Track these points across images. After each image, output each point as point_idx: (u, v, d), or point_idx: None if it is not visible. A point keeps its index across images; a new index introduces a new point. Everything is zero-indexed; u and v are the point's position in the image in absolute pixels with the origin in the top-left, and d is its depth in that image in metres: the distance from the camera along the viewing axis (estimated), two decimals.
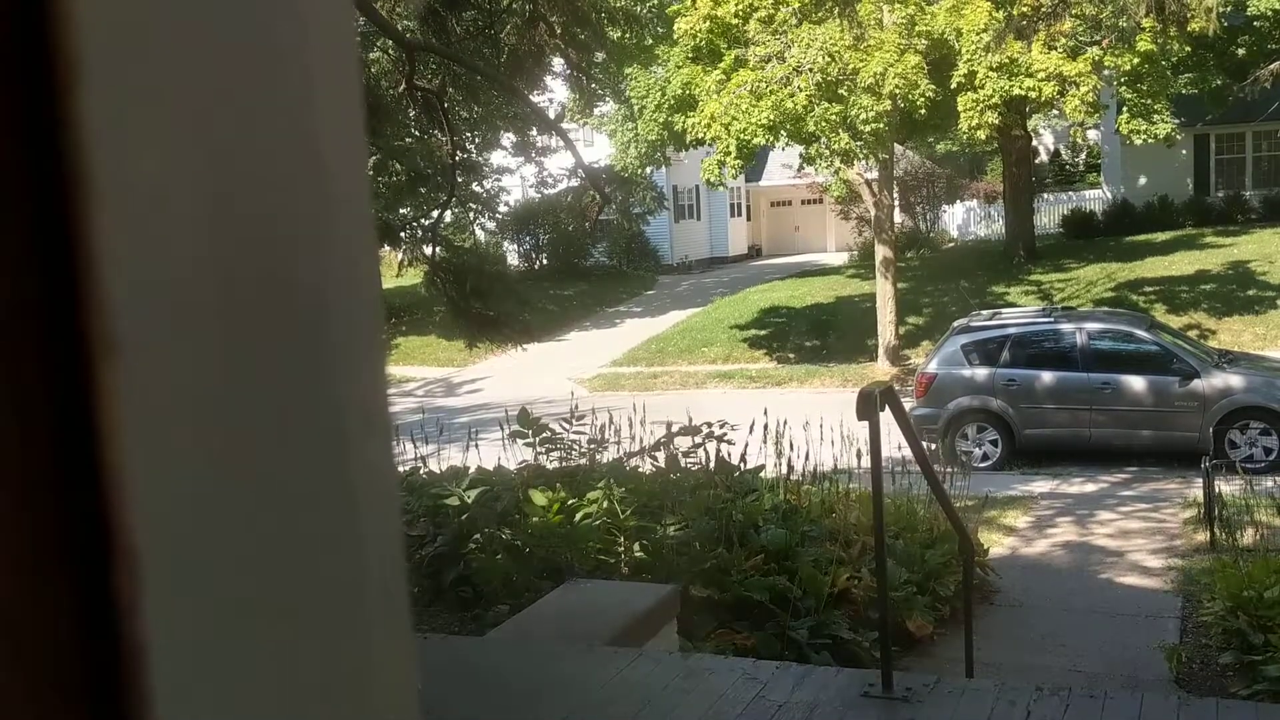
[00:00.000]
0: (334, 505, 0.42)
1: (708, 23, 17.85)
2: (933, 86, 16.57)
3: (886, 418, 3.98)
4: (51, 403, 0.32)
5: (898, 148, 22.24)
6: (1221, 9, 13.59)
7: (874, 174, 19.83)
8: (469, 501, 6.83)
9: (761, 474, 7.68)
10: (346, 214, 0.44)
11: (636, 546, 6.16)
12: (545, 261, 31.58)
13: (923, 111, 16.94)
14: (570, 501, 6.51)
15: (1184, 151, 26.95)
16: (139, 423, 0.33)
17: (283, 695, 0.40)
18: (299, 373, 0.41)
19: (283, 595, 0.40)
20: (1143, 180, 28.36)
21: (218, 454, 0.37)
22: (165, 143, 0.36)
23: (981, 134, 17.68)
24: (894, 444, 5.12)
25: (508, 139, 23.96)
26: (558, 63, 11.30)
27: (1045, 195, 31.88)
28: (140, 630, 0.33)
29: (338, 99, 0.44)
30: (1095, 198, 30.83)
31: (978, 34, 16.57)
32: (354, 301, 0.44)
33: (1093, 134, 27.68)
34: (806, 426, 8.64)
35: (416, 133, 14.51)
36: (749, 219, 37.41)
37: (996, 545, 8.83)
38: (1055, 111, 20.68)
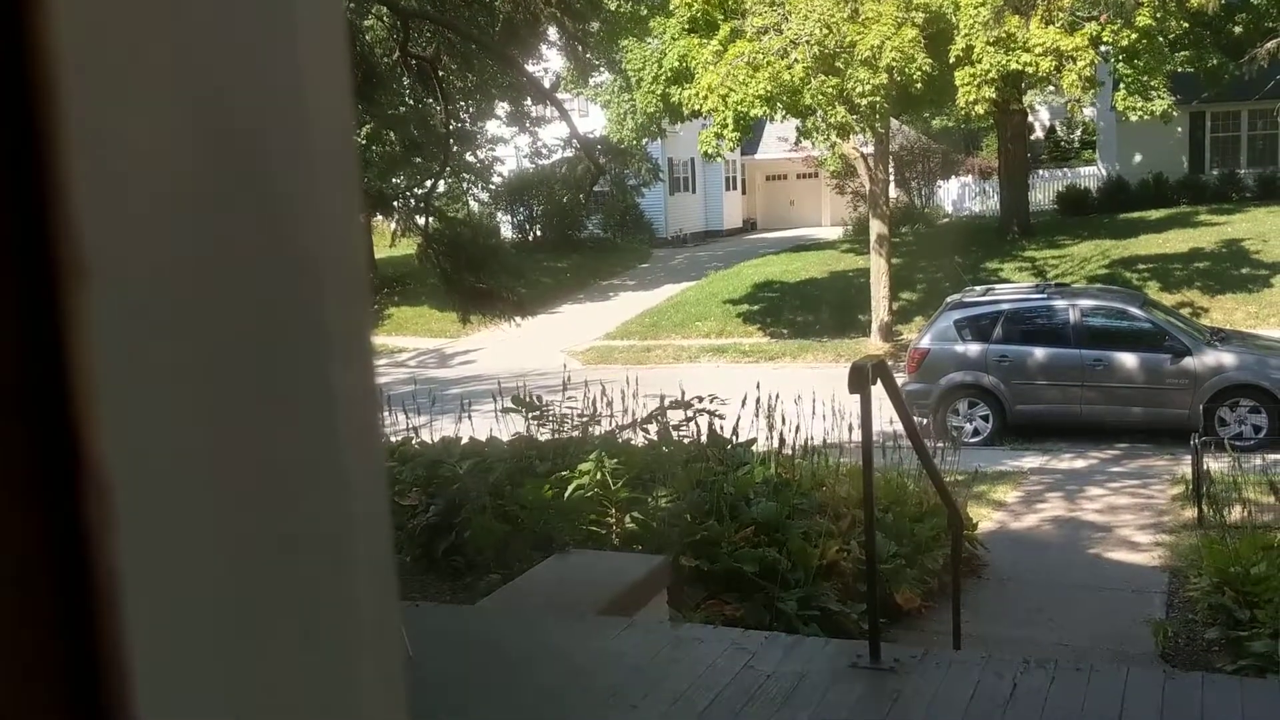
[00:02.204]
0: (316, 447, 0.42)
1: None
2: (930, 60, 16.49)
3: (878, 392, 3.99)
4: (22, 328, 0.32)
5: (893, 122, 22.16)
6: None
7: (870, 148, 19.76)
8: (461, 472, 6.84)
9: (753, 447, 7.69)
10: (331, 175, 0.44)
11: (628, 518, 6.18)
12: (539, 233, 31.47)
13: (919, 85, 16.86)
14: (562, 473, 6.52)
15: (1179, 129, 26.91)
16: (110, 352, 0.33)
17: (263, 647, 0.40)
18: (279, 313, 0.41)
19: (262, 540, 0.39)
20: (1138, 157, 28.33)
21: (194, 393, 0.37)
22: (144, 86, 0.35)
23: (979, 109, 17.60)
24: (885, 418, 5.13)
25: (502, 108, 23.81)
26: (553, 32, 11.22)
27: (1040, 171, 31.84)
28: (112, 558, 0.33)
29: (325, 63, 0.43)
30: (1090, 174, 30.79)
31: (975, 8, 16.47)
32: (339, 262, 0.43)
33: (1088, 111, 27.59)
34: (798, 401, 8.65)
35: (410, 101, 14.42)
36: (744, 192, 37.30)
37: (985, 520, 8.87)
38: (1052, 87, 20.61)
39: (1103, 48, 17.69)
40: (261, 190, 0.40)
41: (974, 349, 13.06)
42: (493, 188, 29.95)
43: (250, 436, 0.39)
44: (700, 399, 7.53)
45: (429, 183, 13.34)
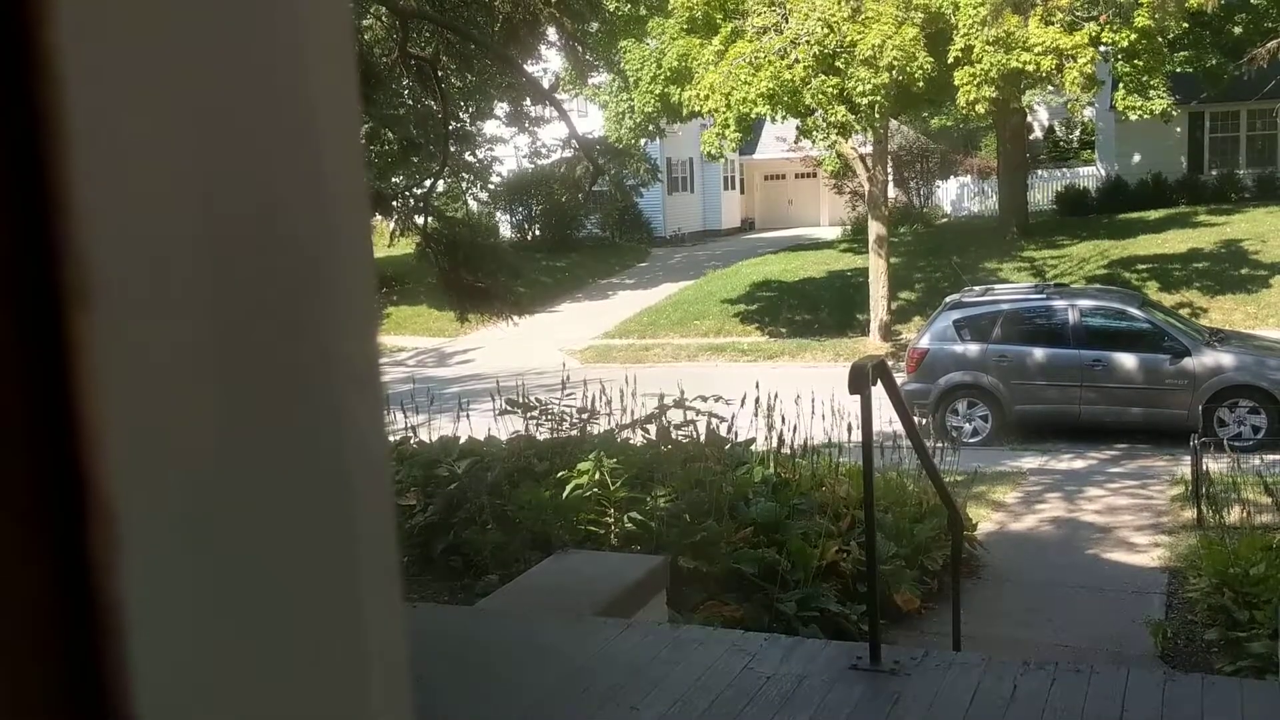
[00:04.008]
0: (323, 470, 0.41)
1: None
2: (930, 59, 16.48)
3: (878, 392, 3.98)
4: (24, 353, 0.31)
5: (892, 122, 22.16)
6: None
7: (868, 148, 19.75)
8: (459, 472, 6.84)
9: (752, 447, 7.68)
10: (338, 177, 0.43)
11: (626, 518, 6.17)
12: (538, 232, 31.47)
13: (920, 85, 16.85)
14: (560, 473, 6.51)
15: (1178, 129, 26.91)
16: (116, 376, 0.32)
17: (267, 661, 0.40)
18: (287, 335, 0.40)
19: (268, 559, 0.39)
20: (1136, 157, 28.33)
21: (201, 413, 0.36)
22: (147, 96, 0.35)
23: (980, 108, 17.59)
24: (885, 418, 5.13)
25: (501, 109, 23.80)
26: (552, 33, 11.21)
27: (1039, 171, 31.82)
28: (116, 588, 0.32)
29: (331, 63, 0.43)
30: (1089, 175, 30.79)
31: (975, 8, 16.47)
32: (346, 266, 0.43)
33: (1087, 110, 27.60)
34: (798, 400, 8.64)
35: (410, 101, 14.40)
36: (742, 192, 37.29)
37: (985, 520, 8.87)
38: (1051, 87, 20.60)
39: (1102, 47, 17.69)
40: (268, 212, 0.39)
41: (973, 349, 13.06)
42: (491, 187, 29.95)
43: (255, 463, 0.38)
44: (699, 398, 7.53)
45: (428, 182, 13.34)
